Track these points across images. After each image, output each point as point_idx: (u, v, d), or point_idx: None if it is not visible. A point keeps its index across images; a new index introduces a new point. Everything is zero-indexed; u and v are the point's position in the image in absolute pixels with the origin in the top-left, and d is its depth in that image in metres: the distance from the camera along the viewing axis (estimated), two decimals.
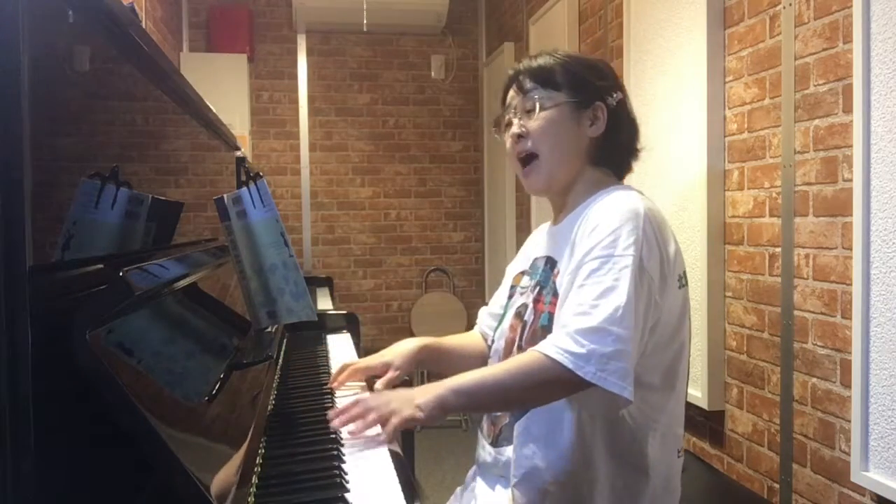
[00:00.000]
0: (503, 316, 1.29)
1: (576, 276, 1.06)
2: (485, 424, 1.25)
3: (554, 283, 1.15)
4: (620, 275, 1.02)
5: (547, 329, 1.10)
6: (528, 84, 1.19)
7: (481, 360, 1.36)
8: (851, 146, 1.42)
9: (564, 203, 1.23)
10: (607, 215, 1.07)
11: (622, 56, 2.39)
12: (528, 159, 1.20)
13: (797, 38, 1.61)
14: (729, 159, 1.88)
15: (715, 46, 1.89)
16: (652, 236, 1.06)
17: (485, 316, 1.43)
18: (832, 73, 1.50)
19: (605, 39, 2.65)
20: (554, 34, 3.06)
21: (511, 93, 1.23)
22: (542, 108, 1.17)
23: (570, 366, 0.98)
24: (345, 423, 1.07)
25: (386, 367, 1.32)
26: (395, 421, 1.02)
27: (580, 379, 0.98)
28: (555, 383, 1.01)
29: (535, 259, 1.27)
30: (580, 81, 1.18)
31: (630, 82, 2.34)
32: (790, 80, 1.63)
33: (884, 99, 1.34)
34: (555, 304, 1.11)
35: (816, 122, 1.55)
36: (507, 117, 1.23)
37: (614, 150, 1.21)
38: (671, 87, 2.08)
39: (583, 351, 0.98)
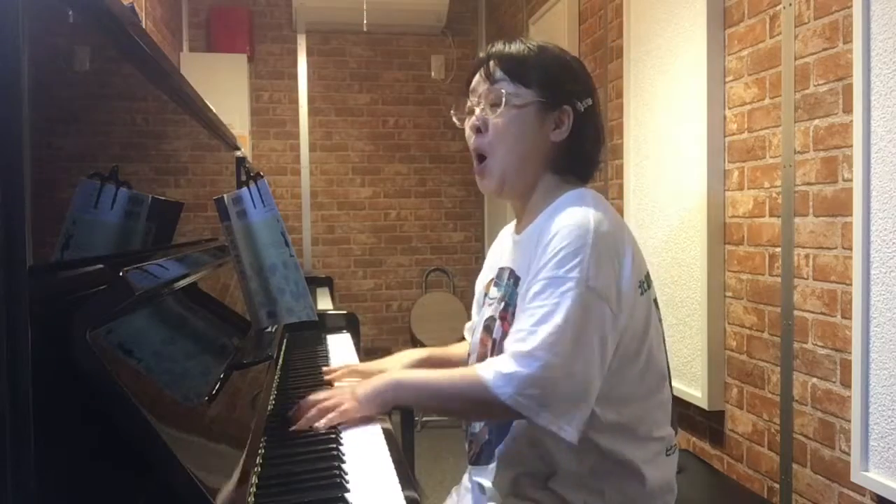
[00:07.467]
0: (476, 327, 1.27)
1: (524, 299, 1.04)
2: (465, 443, 1.24)
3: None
4: (561, 298, 0.98)
5: None
6: (498, 73, 1.11)
7: None
8: (851, 146, 1.42)
9: (524, 208, 1.18)
10: (557, 235, 1.03)
11: (622, 56, 2.39)
12: (480, 158, 1.17)
13: (797, 38, 1.61)
14: (729, 159, 1.88)
15: (715, 46, 1.89)
16: (602, 253, 1.01)
17: (467, 333, 1.40)
18: (832, 73, 1.50)
19: (605, 39, 2.65)
20: (554, 34, 3.06)
21: (478, 77, 1.14)
22: (507, 105, 1.10)
23: (491, 385, 0.99)
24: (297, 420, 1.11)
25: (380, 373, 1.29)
26: (331, 416, 1.08)
27: (496, 398, 0.98)
28: (480, 402, 1.02)
29: (501, 269, 1.22)
30: (552, 81, 1.11)
31: (630, 82, 2.34)
32: (790, 80, 1.63)
33: (884, 99, 1.34)
34: None
35: (816, 122, 1.55)
36: (469, 103, 1.16)
37: (575, 159, 1.15)
38: (671, 87, 2.08)
39: (507, 372, 0.98)
